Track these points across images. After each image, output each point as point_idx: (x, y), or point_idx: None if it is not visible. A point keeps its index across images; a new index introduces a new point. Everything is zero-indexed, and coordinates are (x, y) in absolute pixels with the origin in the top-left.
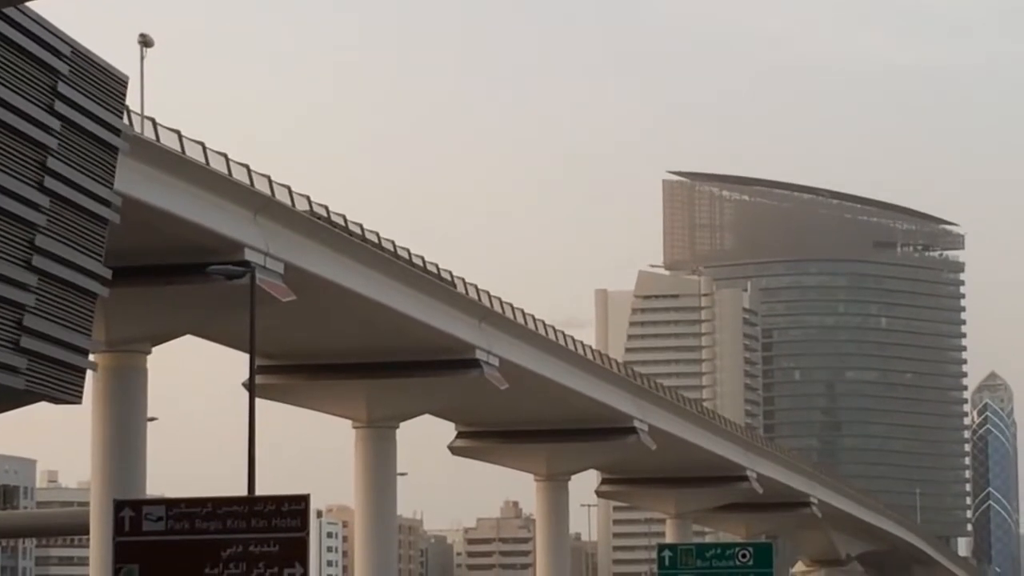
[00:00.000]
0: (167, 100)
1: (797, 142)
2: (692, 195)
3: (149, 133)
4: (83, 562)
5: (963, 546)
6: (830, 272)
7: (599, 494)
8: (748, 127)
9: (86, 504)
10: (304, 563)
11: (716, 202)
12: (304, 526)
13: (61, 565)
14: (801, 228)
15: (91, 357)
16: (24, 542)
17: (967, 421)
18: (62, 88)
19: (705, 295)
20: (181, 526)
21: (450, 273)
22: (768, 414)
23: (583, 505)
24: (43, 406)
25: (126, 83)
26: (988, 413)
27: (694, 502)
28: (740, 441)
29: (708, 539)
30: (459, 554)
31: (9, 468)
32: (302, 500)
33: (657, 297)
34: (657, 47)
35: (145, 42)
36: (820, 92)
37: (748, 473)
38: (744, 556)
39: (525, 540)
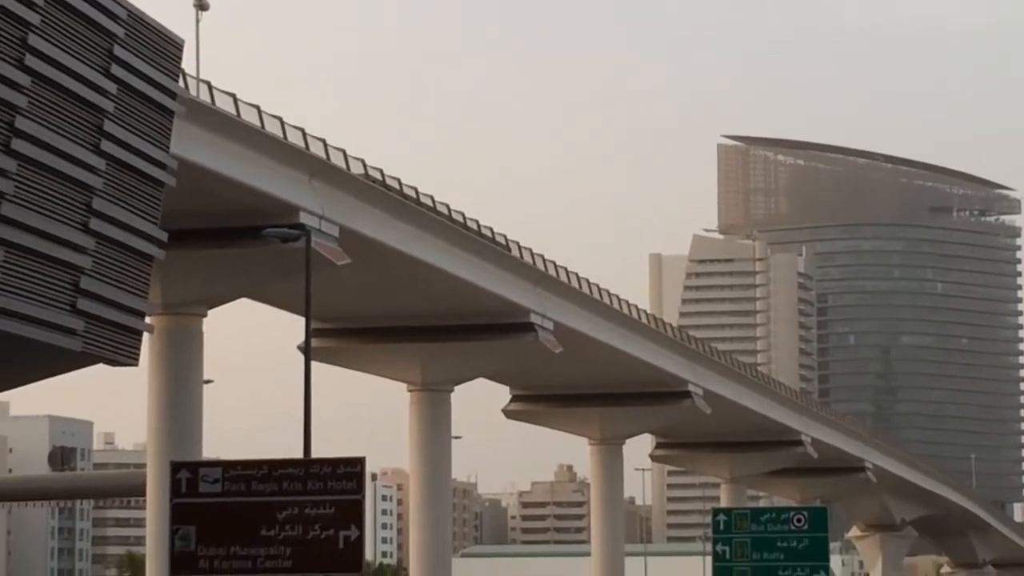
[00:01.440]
0: (222, 64)
1: (852, 106)
2: (747, 159)
3: (204, 96)
4: (139, 523)
5: (1019, 512)
6: (885, 237)
7: (653, 458)
8: (803, 91)
9: (142, 466)
10: (360, 525)
11: (771, 166)
12: (360, 488)
13: (118, 526)
14: (856, 192)
15: (147, 319)
16: (81, 503)
17: (1023, 386)
18: (118, 51)
19: (759, 259)
20: (237, 488)
21: (505, 237)
22: (823, 378)
23: (637, 469)
24: (100, 368)
25: (181, 46)
26: None
27: (748, 466)
28: (795, 405)
29: (762, 503)
30: (513, 517)
31: (66, 430)
32: (358, 463)
33: (711, 261)
34: (712, 11)
35: (200, 5)
36: (875, 55)
37: (803, 438)
38: (799, 520)
39: (579, 504)
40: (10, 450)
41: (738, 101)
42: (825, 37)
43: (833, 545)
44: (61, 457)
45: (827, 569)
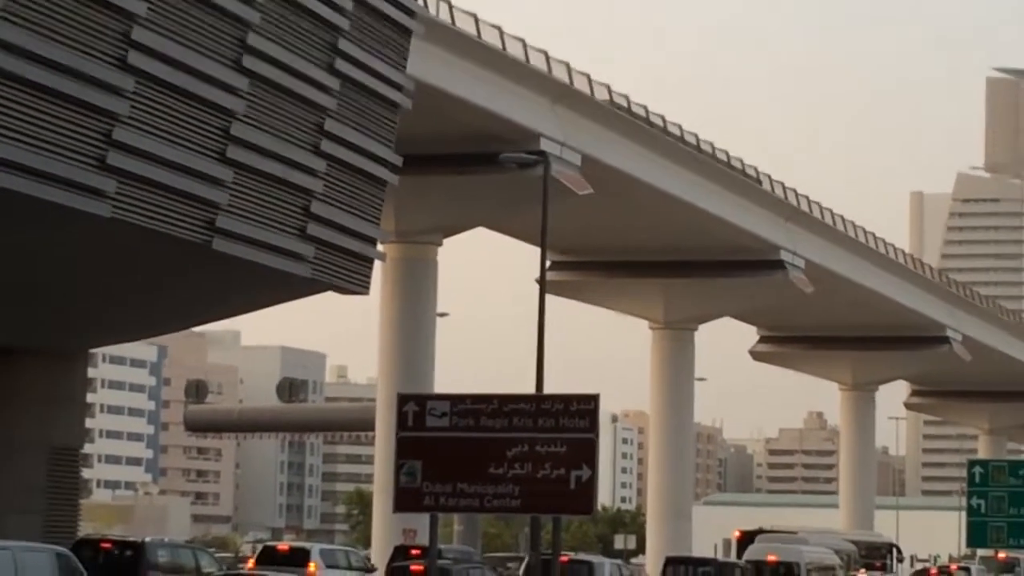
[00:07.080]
0: None
1: None
2: (1018, 93)
3: (444, 16)
4: (370, 460)
5: None
6: None
7: (908, 406)
8: None
9: (375, 400)
10: (592, 466)
11: None
12: (593, 427)
13: (348, 463)
14: None
15: (380, 247)
16: (311, 438)
17: None
18: None
19: None
20: (466, 423)
21: (755, 169)
22: None
23: (891, 418)
24: (336, 299)
25: None
26: None
27: (1010, 417)
28: None
29: (1023, 457)
30: (759, 465)
31: (298, 362)
32: (591, 400)
33: (976, 201)
34: None
35: None
36: None
37: None
38: None
39: (829, 453)
40: (240, 381)
41: (1010, 32)
42: None
43: None
44: (289, 389)
45: None
